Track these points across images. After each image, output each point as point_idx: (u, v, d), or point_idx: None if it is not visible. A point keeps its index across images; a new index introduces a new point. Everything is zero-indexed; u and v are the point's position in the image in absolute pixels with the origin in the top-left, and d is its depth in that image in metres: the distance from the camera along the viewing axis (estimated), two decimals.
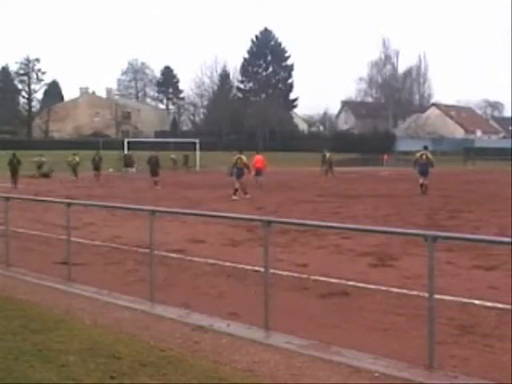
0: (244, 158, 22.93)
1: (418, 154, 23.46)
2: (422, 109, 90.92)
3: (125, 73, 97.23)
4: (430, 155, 23.32)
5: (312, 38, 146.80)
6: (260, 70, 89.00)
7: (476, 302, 6.43)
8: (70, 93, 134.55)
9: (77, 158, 36.17)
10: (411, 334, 5.38)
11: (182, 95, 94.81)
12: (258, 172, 26.06)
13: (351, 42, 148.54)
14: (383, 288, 7.11)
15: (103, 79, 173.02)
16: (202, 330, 5.58)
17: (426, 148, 24.09)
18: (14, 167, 29.50)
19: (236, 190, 21.69)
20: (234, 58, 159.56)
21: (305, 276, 7.85)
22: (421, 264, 6.68)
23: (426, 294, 4.69)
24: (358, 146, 69.17)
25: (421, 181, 22.68)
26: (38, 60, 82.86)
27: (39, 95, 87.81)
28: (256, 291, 6.23)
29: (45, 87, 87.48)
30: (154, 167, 28.56)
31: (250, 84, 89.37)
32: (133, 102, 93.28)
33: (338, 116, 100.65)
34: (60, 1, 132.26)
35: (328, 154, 37.52)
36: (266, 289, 5.64)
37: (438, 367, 4.52)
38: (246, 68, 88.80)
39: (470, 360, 4.74)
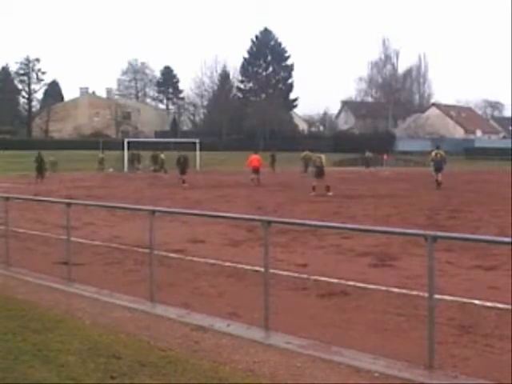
0: (323, 157, 23.77)
1: (433, 153, 26.23)
2: (422, 109, 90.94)
3: (125, 73, 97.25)
4: (443, 153, 26.22)
5: (312, 38, 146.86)
6: (260, 70, 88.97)
7: (476, 301, 6.43)
8: (70, 93, 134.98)
9: (162, 156, 40.02)
10: (411, 333, 5.39)
11: (181, 95, 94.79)
12: (255, 170, 28.50)
13: (351, 42, 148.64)
14: (383, 288, 7.11)
15: (103, 79, 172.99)
16: (201, 330, 5.58)
17: (438, 148, 27.36)
18: (40, 165, 34.23)
19: (314, 188, 22.42)
20: (233, 58, 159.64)
21: (305, 276, 7.85)
22: (421, 264, 6.70)
23: (426, 294, 4.70)
24: (358, 145, 69.18)
25: (439, 177, 25.19)
26: (38, 60, 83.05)
27: (39, 95, 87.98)
28: (256, 291, 6.23)
29: (45, 87, 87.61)
30: (183, 166, 29.93)
31: (250, 84, 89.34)
32: (133, 102, 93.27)
33: (337, 116, 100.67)
34: (60, 1, 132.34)
35: (304, 154, 39.49)
36: (265, 289, 5.63)
37: (438, 367, 4.52)
38: (246, 68, 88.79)
39: (470, 360, 4.74)
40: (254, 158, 29.51)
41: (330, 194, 22.08)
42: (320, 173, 22.96)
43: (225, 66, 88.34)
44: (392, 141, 77.34)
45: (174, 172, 34.83)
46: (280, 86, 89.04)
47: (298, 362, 4.71)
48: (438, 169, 25.56)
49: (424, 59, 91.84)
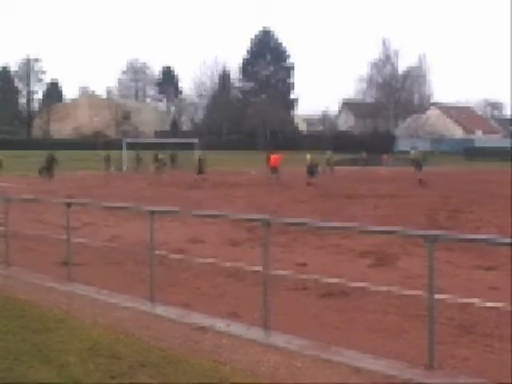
0: (309, 156, 27.11)
1: (412, 152, 28.78)
2: (422, 109, 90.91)
3: (125, 73, 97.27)
4: (420, 152, 28.81)
5: (312, 38, 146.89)
6: (260, 70, 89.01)
7: (476, 301, 6.43)
8: (70, 93, 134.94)
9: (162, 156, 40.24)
10: (411, 333, 5.39)
11: (181, 95, 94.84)
12: (274, 169, 30.00)
13: (351, 42, 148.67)
14: (383, 288, 7.11)
15: (103, 79, 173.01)
16: (202, 330, 5.58)
17: (415, 148, 29.76)
18: (51, 164, 35.71)
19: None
20: (234, 58, 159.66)
21: (305, 276, 7.85)
22: (421, 264, 6.69)
23: (426, 294, 4.70)
24: (358, 145, 69.17)
25: (421, 176, 26.52)
26: (38, 60, 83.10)
27: (39, 95, 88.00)
28: (256, 291, 6.23)
29: (45, 87, 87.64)
30: (202, 166, 32.07)
31: (250, 84, 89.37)
32: (133, 102, 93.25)
33: (338, 116, 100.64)
34: (60, 1, 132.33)
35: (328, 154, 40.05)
36: (265, 289, 5.63)
37: (438, 367, 4.52)
38: (246, 68, 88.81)
39: (470, 360, 4.74)
40: (273, 157, 30.80)
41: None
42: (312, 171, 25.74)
43: (225, 66, 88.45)
44: (392, 141, 77.31)
45: (172, 172, 35.03)
46: (280, 85, 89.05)
47: (297, 362, 4.71)
48: (419, 166, 27.29)
49: (424, 59, 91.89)
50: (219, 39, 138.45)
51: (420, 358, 4.60)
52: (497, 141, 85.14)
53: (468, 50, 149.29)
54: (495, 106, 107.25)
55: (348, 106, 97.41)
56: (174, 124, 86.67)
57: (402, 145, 74.75)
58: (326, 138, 79.04)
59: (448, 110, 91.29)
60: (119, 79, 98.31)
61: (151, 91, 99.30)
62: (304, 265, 8.62)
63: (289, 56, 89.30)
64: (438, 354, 4.59)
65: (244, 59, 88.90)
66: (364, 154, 51.29)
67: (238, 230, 12.06)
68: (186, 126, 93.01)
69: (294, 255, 9.43)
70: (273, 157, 31.01)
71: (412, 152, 28.93)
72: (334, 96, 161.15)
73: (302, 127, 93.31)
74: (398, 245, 9.95)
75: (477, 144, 77.49)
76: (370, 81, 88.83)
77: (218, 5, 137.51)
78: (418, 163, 27.62)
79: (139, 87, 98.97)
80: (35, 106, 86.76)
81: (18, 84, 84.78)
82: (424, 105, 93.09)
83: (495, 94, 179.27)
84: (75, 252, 8.53)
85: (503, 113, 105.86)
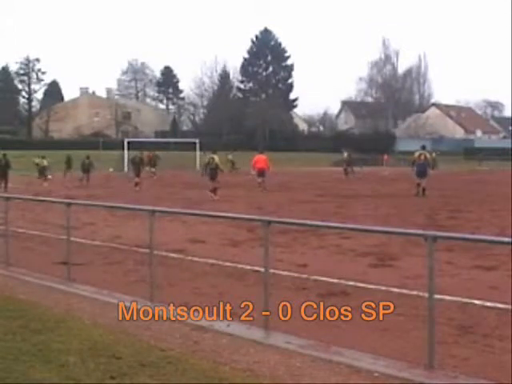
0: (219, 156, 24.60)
1: (416, 154, 22.48)
2: (422, 109, 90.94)
3: (125, 73, 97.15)
4: (428, 155, 22.65)
5: (312, 38, 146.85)
6: (260, 70, 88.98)
7: (476, 301, 6.43)
8: (70, 93, 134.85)
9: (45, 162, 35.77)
10: (411, 333, 5.38)
11: (181, 95, 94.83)
12: (260, 173, 25.61)
13: (351, 42, 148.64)
14: (383, 288, 7.11)
15: (103, 79, 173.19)
16: (201, 330, 5.58)
17: (423, 148, 22.94)
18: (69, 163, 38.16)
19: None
20: (234, 58, 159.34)
21: (305, 276, 7.85)
22: (421, 264, 6.69)
23: (426, 294, 4.69)
24: (358, 145, 69.16)
25: (422, 183, 21.72)
26: (38, 60, 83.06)
27: (39, 95, 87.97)
28: (256, 291, 6.23)
29: (45, 87, 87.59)
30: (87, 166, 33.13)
31: (250, 84, 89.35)
32: (133, 102, 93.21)
33: (338, 116, 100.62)
34: (60, 1, 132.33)
35: (346, 154, 37.85)
36: (266, 289, 5.63)
37: (438, 367, 4.51)
38: (246, 68, 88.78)
39: (470, 360, 4.74)
40: (260, 158, 26.35)
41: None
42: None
43: (225, 66, 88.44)
44: (392, 141, 77.31)
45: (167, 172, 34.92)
46: (280, 85, 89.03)
47: (297, 362, 4.71)
48: (421, 173, 21.79)
49: (424, 59, 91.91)
50: (219, 39, 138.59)
51: (420, 358, 4.60)
52: (497, 141, 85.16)
53: (468, 49, 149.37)
54: (495, 106, 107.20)
55: (348, 105, 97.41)
56: (174, 124, 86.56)
57: (402, 145, 74.77)
58: (326, 138, 79.08)
59: (448, 110, 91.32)
60: (119, 79, 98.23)
61: (151, 91, 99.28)
62: (304, 265, 8.61)
63: (289, 56, 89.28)
64: (438, 354, 4.58)
65: (244, 59, 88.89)
66: (346, 154, 39.26)
67: (238, 229, 12.05)
68: (186, 126, 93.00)
69: (294, 255, 9.43)
70: (257, 158, 26.55)
71: (416, 154, 22.25)
72: (334, 96, 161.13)
73: (302, 127, 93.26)
74: (398, 245, 9.94)
75: (477, 144, 77.47)
76: (370, 81, 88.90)
77: (218, 5, 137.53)
78: (421, 168, 21.58)
79: (139, 87, 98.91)
80: (35, 106, 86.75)
81: (18, 84, 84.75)
82: (424, 105, 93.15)
83: (495, 94, 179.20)
84: (75, 252, 8.52)
85: (503, 113, 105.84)
